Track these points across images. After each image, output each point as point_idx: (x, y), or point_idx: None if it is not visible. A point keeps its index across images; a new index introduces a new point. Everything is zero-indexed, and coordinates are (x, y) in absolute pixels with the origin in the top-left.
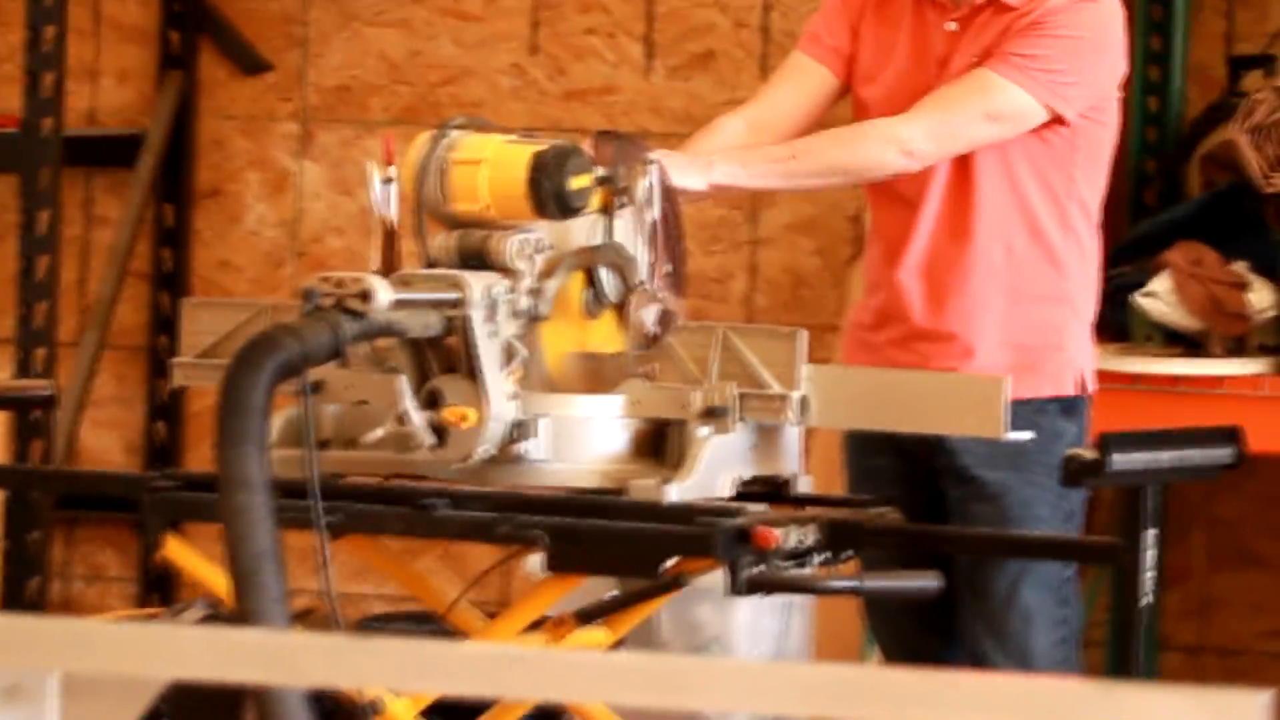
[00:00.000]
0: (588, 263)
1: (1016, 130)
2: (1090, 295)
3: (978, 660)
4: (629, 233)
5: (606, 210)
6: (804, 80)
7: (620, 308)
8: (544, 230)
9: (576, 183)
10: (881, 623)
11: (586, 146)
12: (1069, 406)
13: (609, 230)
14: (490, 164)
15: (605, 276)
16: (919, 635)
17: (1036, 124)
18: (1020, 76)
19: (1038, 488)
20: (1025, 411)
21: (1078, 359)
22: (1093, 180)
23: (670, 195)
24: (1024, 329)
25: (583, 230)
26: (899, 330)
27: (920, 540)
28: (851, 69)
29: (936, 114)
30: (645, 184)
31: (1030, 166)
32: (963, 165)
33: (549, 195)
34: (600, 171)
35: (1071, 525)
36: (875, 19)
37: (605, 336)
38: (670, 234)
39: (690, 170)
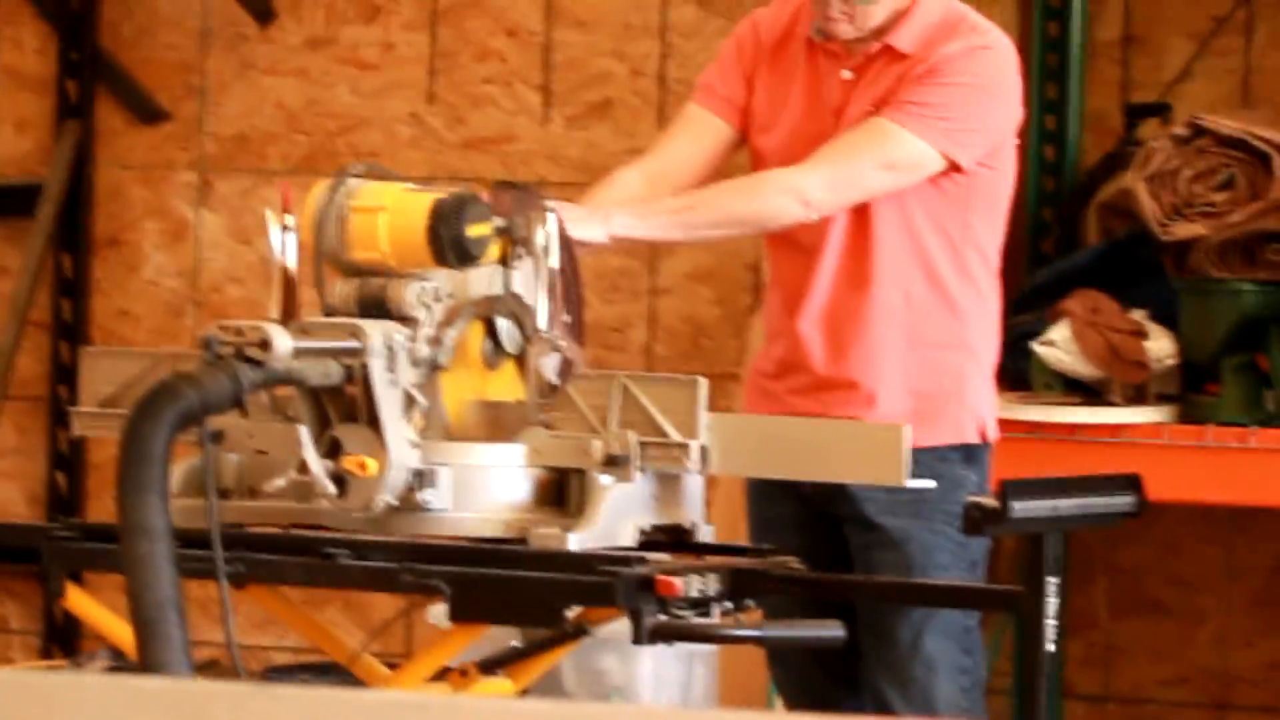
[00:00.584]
0: (487, 312)
1: (914, 179)
2: (990, 342)
3: (881, 708)
4: (528, 283)
5: (504, 261)
6: (700, 132)
7: (520, 358)
8: (443, 279)
9: (475, 231)
10: (785, 671)
11: (485, 197)
12: (970, 454)
13: (507, 281)
14: (389, 212)
15: (504, 327)
16: (823, 683)
17: (934, 172)
18: (917, 125)
19: (940, 535)
20: (927, 459)
21: (979, 406)
22: (990, 227)
23: (568, 244)
24: (925, 376)
25: (481, 280)
26: (801, 379)
27: (823, 588)
28: (747, 119)
29: (834, 164)
30: (543, 233)
31: (927, 214)
32: (861, 214)
33: (448, 243)
34: (499, 221)
35: (974, 573)
36: (770, 69)
37: (505, 385)
38: (569, 283)
39: (589, 222)
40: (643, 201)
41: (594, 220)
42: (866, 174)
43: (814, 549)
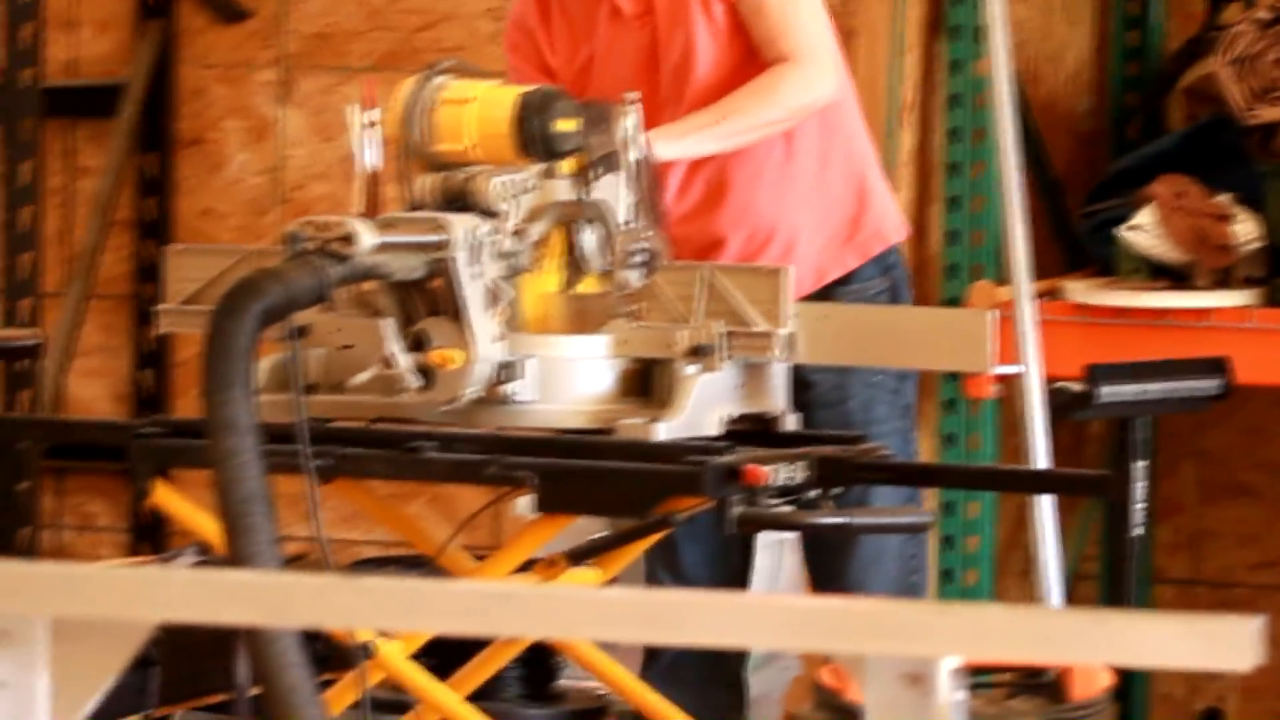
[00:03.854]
0: (572, 215)
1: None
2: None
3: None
4: (608, 195)
5: (583, 176)
6: None
7: (604, 275)
8: (528, 176)
9: (563, 125)
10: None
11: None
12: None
13: (589, 193)
14: (476, 104)
15: (587, 235)
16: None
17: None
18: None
19: (874, 387)
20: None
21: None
22: None
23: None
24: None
25: (564, 191)
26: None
27: (910, 475)
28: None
29: (816, 49)
30: (624, 127)
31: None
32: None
33: (535, 136)
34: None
35: (908, 418)
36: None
37: (589, 287)
38: (649, 176)
39: None
40: (672, 124)
41: None
42: (831, 49)
43: None
